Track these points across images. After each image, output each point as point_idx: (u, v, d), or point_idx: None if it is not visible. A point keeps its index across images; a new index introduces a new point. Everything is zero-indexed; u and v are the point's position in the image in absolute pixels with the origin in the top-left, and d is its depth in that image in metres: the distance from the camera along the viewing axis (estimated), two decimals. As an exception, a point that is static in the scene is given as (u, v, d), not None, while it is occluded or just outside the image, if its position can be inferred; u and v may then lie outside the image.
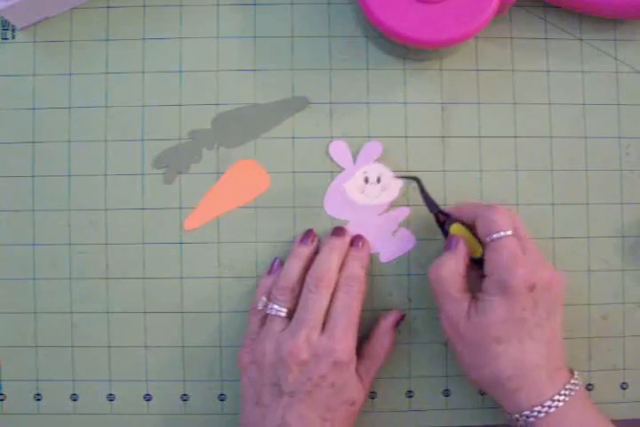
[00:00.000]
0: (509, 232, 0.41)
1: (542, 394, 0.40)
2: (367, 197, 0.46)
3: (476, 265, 0.43)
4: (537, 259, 0.42)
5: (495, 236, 0.41)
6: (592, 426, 0.41)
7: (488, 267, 0.41)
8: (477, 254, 0.43)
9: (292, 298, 0.43)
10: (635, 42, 0.48)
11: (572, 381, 0.41)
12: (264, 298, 0.44)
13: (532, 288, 0.40)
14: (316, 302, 0.42)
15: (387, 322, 0.45)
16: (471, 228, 0.43)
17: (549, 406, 0.40)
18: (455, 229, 0.44)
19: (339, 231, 0.46)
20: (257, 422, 0.41)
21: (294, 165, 0.47)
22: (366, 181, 0.46)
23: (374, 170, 0.46)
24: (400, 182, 0.46)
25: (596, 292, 0.48)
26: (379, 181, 0.46)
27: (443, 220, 0.44)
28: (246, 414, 0.42)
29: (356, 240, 0.46)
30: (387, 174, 0.46)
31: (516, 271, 0.40)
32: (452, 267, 0.42)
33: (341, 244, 0.45)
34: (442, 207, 0.45)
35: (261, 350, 0.42)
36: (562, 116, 0.48)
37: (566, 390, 0.40)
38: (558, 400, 0.40)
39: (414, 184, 0.47)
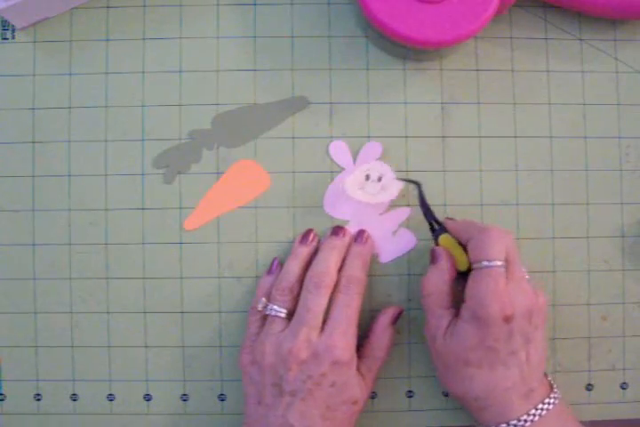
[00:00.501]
0: (498, 263, 0.40)
1: (509, 414, 0.40)
2: (366, 193, 0.46)
3: (465, 277, 0.42)
4: (521, 287, 0.41)
5: (484, 264, 0.40)
6: None
7: (467, 293, 0.41)
8: (463, 269, 0.43)
9: (291, 299, 0.43)
10: (635, 42, 0.48)
11: (547, 400, 0.41)
12: (264, 299, 0.44)
13: (508, 320, 0.40)
14: (315, 303, 0.42)
15: (385, 318, 0.45)
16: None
17: (515, 425, 0.40)
18: (443, 240, 0.43)
19: (338, 231, 0.46)
20: (260, 422, 0.42)
21: (294, 165, 0.47)
22: (367, 178, 0.46)
23: (376, 168, 0.46)
24: (400, 184, 0.46)
25: (595, 292, 0.48)
26: (379, 179, 0.46)
27: (435, 229, 0.44)
28: (249, 413, 0.42)
29: (359, 235, 0.46)
30: (388, 175, 0.46)
31: (492, 304, 0.39)
32: (433, 282, 0.43)
33: (340, 244, 0.45)
34: (437, 217, 0.44)
35: (261, 351, 0.42)
36: (562, 116, 0.48)
37: (537, 409, 0.40)
38: (525, 420, 0.40)
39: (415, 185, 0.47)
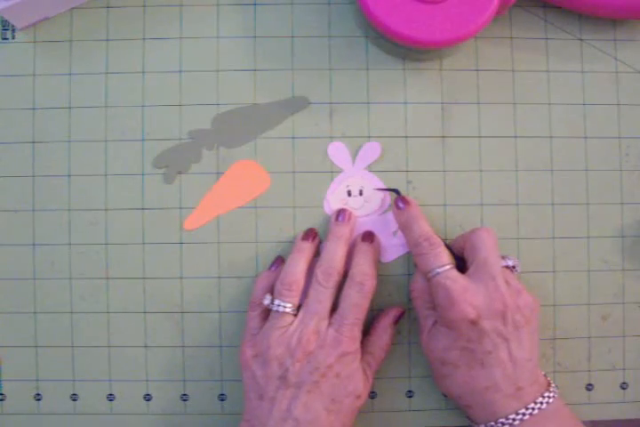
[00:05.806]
0: (447, 267, 0.42)
1: (495, 413, 0.41)
2: (350, 208, 0.47)
3: None
4: (489, 288, 0.41)
5: (436, 271, 0.42)
6: None
7: (434, 300, 0.42)
8: None
9: (296, 293, 0.44)
10: (635, 42, 0.48)
11: (539, 399, 0.41)
12: (268, 295, 0.44)
13: (474, 323, 0.40)
14: (326, 294, 0.43)
15: (387, 318, 0.45)
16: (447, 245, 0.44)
17: (502, 423, 0.40)
18: None
19: (342, 214, 0.46)
20: (262, 416, 0.41)
21: (294, 165, 0.47)
22: (349, 194, 0.47)
23: (357, 183, 0.47)
24: (381, 194, 0.47)
25: (595, 292, 0.48)
26: (361, 193, 0.47)
27: None
28: (250, 409, 0.42)
29: (367, 235, 0.46)
30: (368, 187, 0.47)
31: (452, 311, 0.41)
32: (419, 284, 0.44)
33: (347, 231, 0.45)
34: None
35: (267, 344, 0.42)
36: (562, 116, 0.48)
37: (528, 409, 0.40)
38: (514, 419, 0.40)
39: (413, 184, 0.47)
